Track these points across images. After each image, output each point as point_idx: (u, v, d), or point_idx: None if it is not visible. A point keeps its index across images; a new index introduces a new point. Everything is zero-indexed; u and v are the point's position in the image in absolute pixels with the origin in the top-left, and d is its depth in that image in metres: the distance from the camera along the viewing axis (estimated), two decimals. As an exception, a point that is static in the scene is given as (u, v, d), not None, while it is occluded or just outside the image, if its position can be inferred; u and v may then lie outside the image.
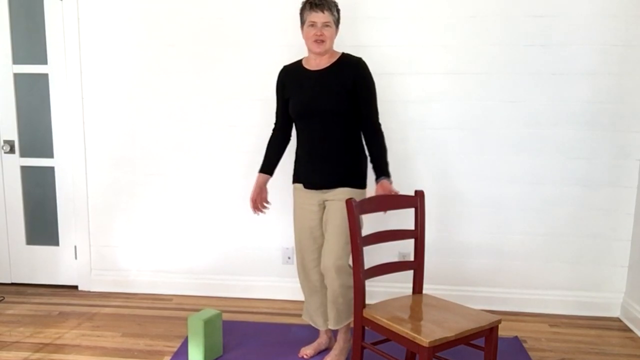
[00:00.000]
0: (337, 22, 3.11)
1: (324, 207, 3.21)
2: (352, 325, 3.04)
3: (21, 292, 4.35)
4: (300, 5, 3.12)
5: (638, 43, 3.72)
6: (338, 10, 3.11)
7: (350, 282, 3.10)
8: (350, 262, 3.16)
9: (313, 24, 3.03)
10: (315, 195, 3.21)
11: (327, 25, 3.04)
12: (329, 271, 3.08)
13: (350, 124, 3.11)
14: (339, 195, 3.11)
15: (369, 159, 3.18)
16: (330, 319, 3.20)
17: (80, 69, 4.11)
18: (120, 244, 4.33)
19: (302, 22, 3.10)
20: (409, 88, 3.91)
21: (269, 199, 3.43)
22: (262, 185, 3.36)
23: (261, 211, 3.38)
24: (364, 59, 3.27)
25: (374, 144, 3.13)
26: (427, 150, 3.96)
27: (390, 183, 3.09)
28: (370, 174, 3.18)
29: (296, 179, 3.29)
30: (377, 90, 3.17)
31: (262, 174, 3.36)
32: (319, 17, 3.01)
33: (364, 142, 3.20)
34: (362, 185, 3.17)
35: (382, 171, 3.11)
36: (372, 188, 3.13)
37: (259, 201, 3.36)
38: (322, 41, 3.05)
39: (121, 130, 4.18)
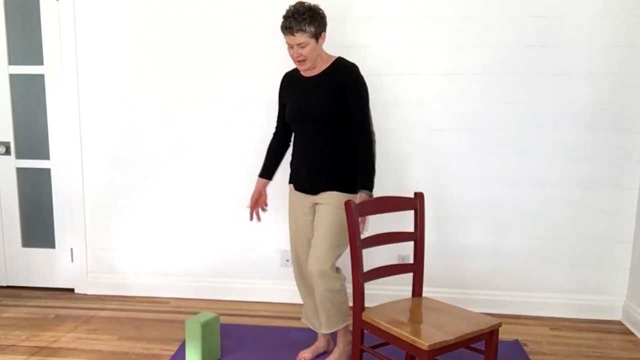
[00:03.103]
0: (315, 35, 2.97)
1: (315, 210, 3.20)
2: (351, 328, 3.02)
3: (17, 295, 4.33)
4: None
5: (639, 43, 3.70)
6: (314, 21, 2.95)
7: (337, 286, 3.09)
8: (343, 264, 3.16)
9: (291, 46, 3.00)
10: (306, 198, 3.22)
11: (302, 46, 2.97)
12: (313, 276, 3.06)
13: (341, 129, 3.09)
14: (328, 200, 3.11)
15: None
16: (322, 323, 3.18)
17: (76, 70, 4.08)
18: (117, 247, 4.30)
19: None
20: (407, 89, 3.89)
21: (268, 201, 3.43)
22: (262, 190, 3.40)
23: (257, 217, 3.41)
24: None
25: (359, 152, 3.09)
26: (426, 152, 3.94)
27: (370, 197, 3.03)
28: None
29: (290, 180, 3.33)
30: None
31: (261, 179, 3.39)
32: (292, 40, 2.96)
33: None
34: (352, 189, 3.12)
35: (362, 183, 3.06)
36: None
37: (257, 205, 3.40)
38: (303, 60, 3.02)
39: (118, 131, 4.15)
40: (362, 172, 3.07)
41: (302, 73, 3.17)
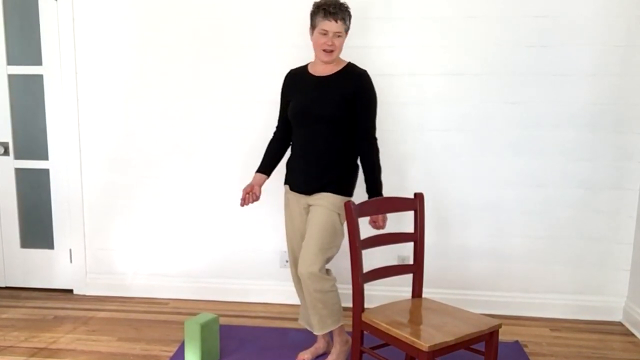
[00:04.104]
0: (347, 30, 3.07)
1: (309, 211, 3.19)
2: (346, 328, 3.01)
3: (15, 296, 4.32)
4: (311, 7, 3.06)
5: (639, 43, 3.69)
6: (350, 19, 3.06)
7: (327, 287, 3.05)
8: (342, 265, 3.14)
9: (325, 33, 2.99)
10: (301, 198, 3.20)
11: (339, 35, 3.00)
12: (303, 278, 3.04)
13: (343, 132, 3.08)
14: (320, 201, 3.09)
15: (360, 169, 3.18)
16: (314, 324, 3.15)
17: (75, 70, 4.07)
18: (115, 247, 4.29)
19: (313, 27, 3.05)
20: (407, 89, 3.88)
21: (265, 199, 3.39)
22: (257, 184, 3.30)
23: (247, 204, 3.27)
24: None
25: (367, 160, 3.10)
26: (426, 152, 3.93)
27: None
28: (359, 185, 3.18)
29: (285, 180, 3.30)
30: (376, 91, 3.13)
31: (258, 174, 3.33)
32: (332, 26, 2.97)
33: (356, 153, 3.17)
34: (346, 192, 3.12)
35: (374, 192, 3.09)
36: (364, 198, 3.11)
37: (249, 196, 3.27)
38: (332, 51, 3.02)
39: (117, 132, 4.14)
40: (374, 180, 3.10)
41: (314, 70, 3.15)
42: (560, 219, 3.92)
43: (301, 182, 3.16)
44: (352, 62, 3.19)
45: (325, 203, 3.07)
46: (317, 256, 3.02)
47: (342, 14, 2.97)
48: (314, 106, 3.06)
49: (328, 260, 3.08)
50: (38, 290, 4.42)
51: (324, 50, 3.02)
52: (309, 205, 3.17)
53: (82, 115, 4.14)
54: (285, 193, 3.31)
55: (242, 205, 3.28)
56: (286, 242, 3.34)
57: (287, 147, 3.37)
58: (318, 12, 3.00)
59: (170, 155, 4.13)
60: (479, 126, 3.87)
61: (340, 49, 3.06)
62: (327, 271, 3.14)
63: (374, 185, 3.10)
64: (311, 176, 3.12)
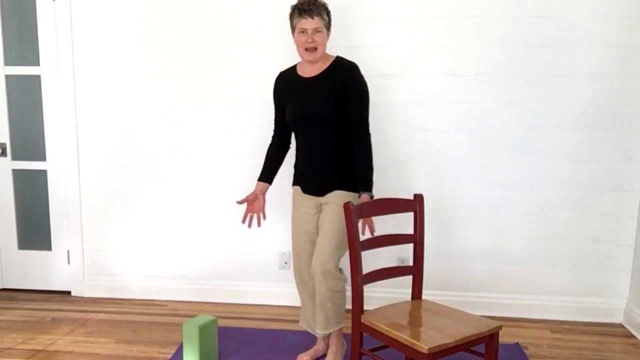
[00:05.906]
0: (328, 25, 3.05)
1: (321, 210, 3.18)
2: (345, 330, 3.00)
3: (13, 297, 4.30)
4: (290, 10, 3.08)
5: (640, 44, 3.69)
6: (328, 13, 3.06)
7: (339, 286, 3.07)
8: (342, 266, 3.13)
9: (303, 31, 2.99)
10: (312, 199, 3.20)
11: (318, 31, 2.99)
12: (316, 275, 3.05)
13: (345, 129, 3.07)
14: (333, 199, 3.10)
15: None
16: (319, 323, 3.16)
17: (73, 71, 4.06)
18: (113, 249, 4.28)
19: (293, 29, 3.07)
20: (407, 90, 3.86)
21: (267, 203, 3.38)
22: (259, 194, 3.32)
23: (251, 222, 3.28)
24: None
25: (358, 153, 3.08)
26: (426, 153, 3.92)
27: (371, 198, 3.02)
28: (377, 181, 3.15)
29: (295, 182, 3.29)
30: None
31: (260, 183, 3.33)
32: (309, 23, 2.97)
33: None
34: (356, 188, 3.12)
35: (362, 186, 3.06)
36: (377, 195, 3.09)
37: (254, 210, 3.30)
38: (314, 48, 3.00)
39: (115, 132, 4.12)
40: (362, 174, 3.07)
41: (298, 72, 3.15)
42: (561, 220, 3.91)
43: (313, 185, 3.16)
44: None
45: (338, 201, 3.08)
46: (332, 254, 3.03)
47: (317, 9, 2.97)
48: (309, 110, 3.05)
49: (341, 257, 3.09)
50: (36, 292, 4.40)
51: (306, 50, 3.01)
52: (322, 204, 3.17)
53: (80, 116, 4.13)
54: (294, 193, 3.30)
55: (243, 222, 3.31)
56: (292, 244, 3.33)
57: (287, 151, 3.37)
58: (294, 13, 3.02)
59: (168, 156, 4.11)
60: (479, 127, 3.86)
61: (324, 46, 3.04)
62: (340, 270, 3.13)
63: (364, 179, 3.06)
64: (322, 179, 3.12)
